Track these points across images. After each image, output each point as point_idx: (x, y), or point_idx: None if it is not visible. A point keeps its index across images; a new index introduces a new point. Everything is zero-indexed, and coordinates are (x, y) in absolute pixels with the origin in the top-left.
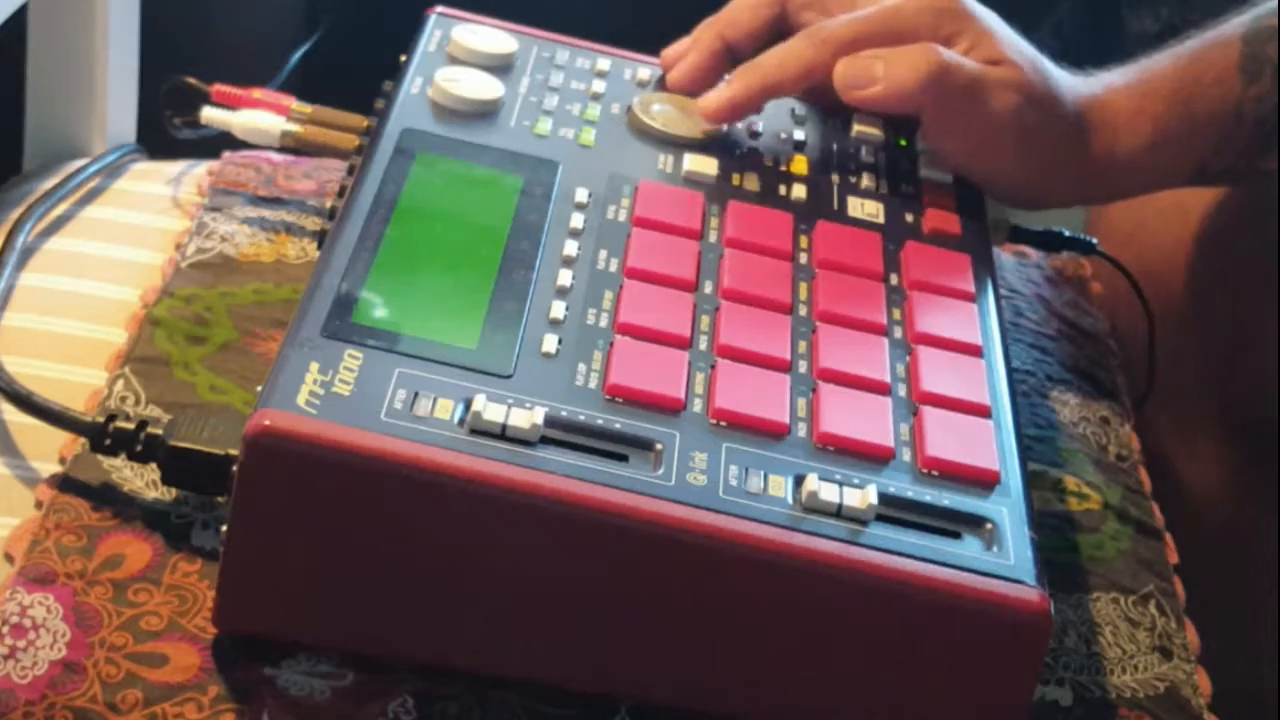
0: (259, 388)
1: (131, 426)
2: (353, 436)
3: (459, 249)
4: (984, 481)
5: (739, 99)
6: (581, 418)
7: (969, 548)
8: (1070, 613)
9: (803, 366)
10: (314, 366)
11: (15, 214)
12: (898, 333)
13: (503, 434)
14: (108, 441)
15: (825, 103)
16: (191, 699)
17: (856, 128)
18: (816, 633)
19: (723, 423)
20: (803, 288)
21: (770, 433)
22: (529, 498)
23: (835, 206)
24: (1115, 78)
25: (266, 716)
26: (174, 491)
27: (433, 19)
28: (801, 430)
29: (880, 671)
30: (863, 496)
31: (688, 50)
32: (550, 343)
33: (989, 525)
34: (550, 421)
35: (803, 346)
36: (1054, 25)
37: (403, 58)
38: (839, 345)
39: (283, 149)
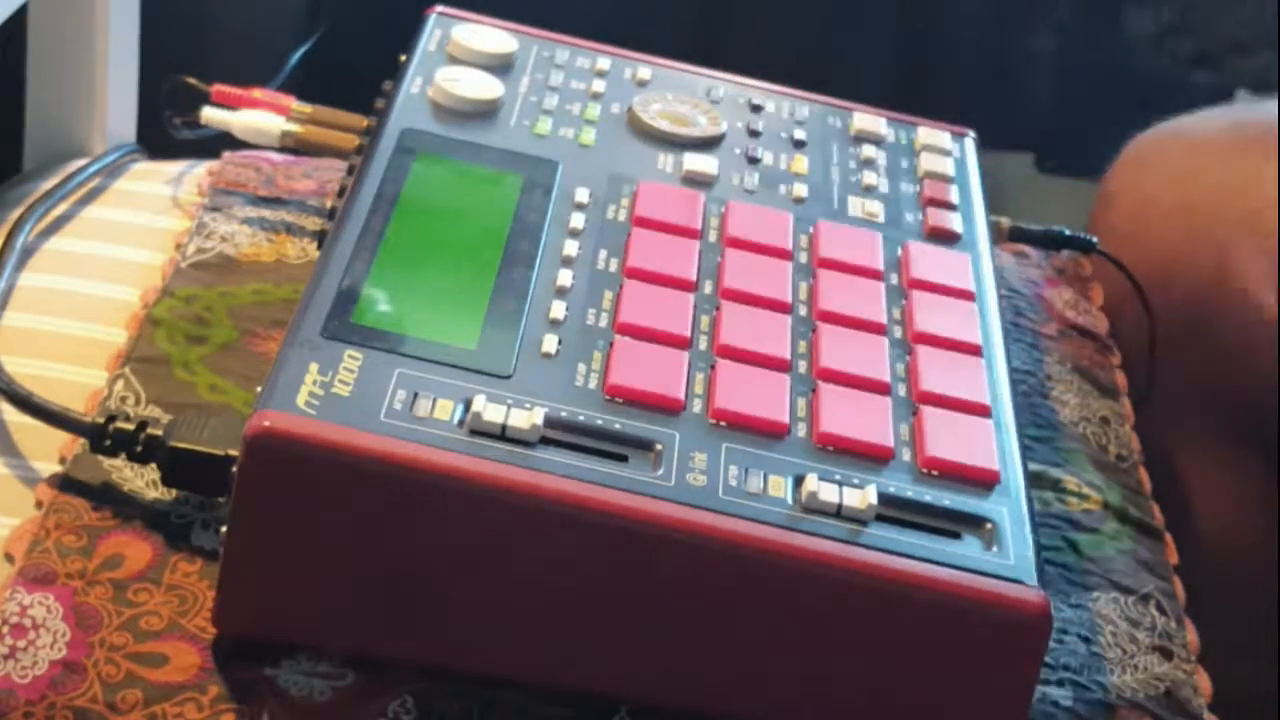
0: (259, 388)
1: (131, 427)
2: (352, 437)
3: (459, 249)
4: (984, 481)
5: None
6: (581, 418)
7: (969, 548)
8: (1070, 613)
9: (802, 366)
10: (314, 367)
11: (15, 214)
12: (897, 332)
13: (502, 434)
14: (107, 442)
15: None
16: (191, 699)
17: (857, 126)
18: (816, 633)
19: (722, 423)
20: (802, 287)
21: (770, 433)
22: (529, 498)
23: (835, 206)
24: None
25: (266, 716)
26: (174, 491)
27: (433, 19)
28: (801, 430)
29: (880, 672)
30: (862, 496)
31: None
32: (550, 343)
33: (989, 525)
34: (550, 422)
35: (802, 346)
36: (1054, 25)
37: (403, 58)
38: (839, 345)
39: (283, 149)
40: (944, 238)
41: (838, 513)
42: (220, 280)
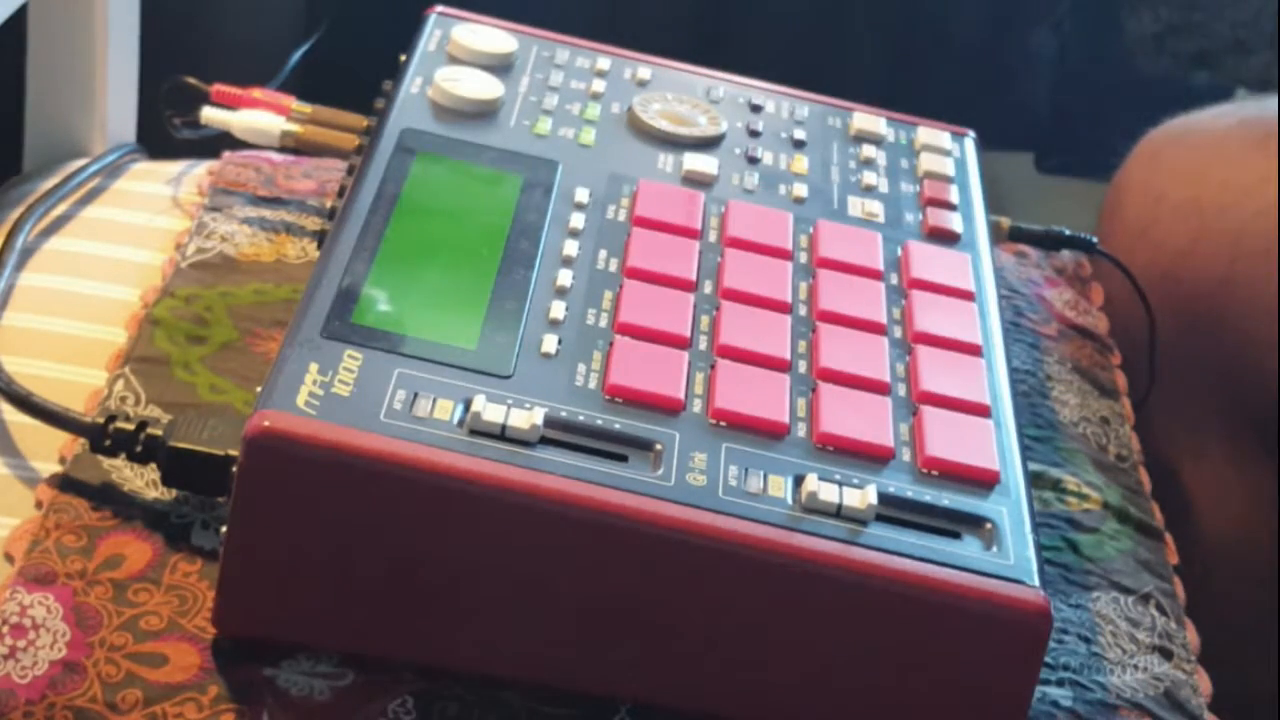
0: (259, 388)
1: (131, 427)
2: (352, 437)
3: (459, 249)
4: (984, 481)
5: None
6: (581, 418)
7: (969, 548)
8: (1070, 613)
9: (802, 366)
10: (314, 367)
11: (15, 214)
12: (897, 332)
13: (502, 434)
14: (107, 442)
15: None
16: (191, 699)
17: (857, 126)
18: (816, 633)
19: (722, 423)
20: (802, 287)
21: (770, 433)
22: (529, 498)
23: (835, 206)
24: None
25: (266, 716)
26: (174, 491)
27: (433, 18)
28: (801, 430)
29: (880, 671)
30: (862, 496)
31: None
32: (550, 343)
33: (989, 525)
34: (550, 422)
35: (802, 346)
36: (1054, 25)
37: (403, 57)
38: (839, 345)
39: (283, 149)
40: (944, 238)
41: (838, 513)
42: (220, 280)
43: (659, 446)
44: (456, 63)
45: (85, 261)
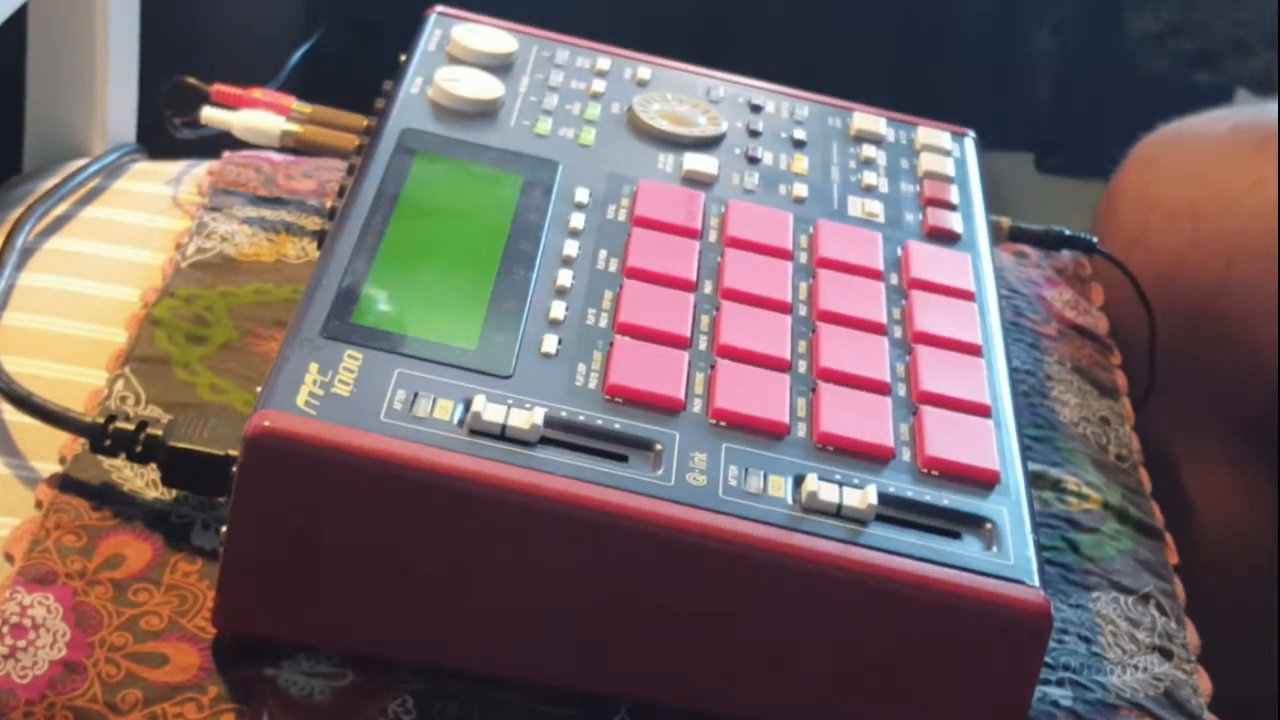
0: (259, 388)
1: (131, 427)
2: (352, 437)
3: (459, 249)
4: (984, 481)
5: None
6: (581, 418)
7: (969, 548)
8: (1070, 613)
9: (802, 366)
10: (314, 367)
11: (15, 214)
12: (897, 332)
13: (502, 434)
14: (107, 442)
15: None
16: (191, 699)
17: (857, 126)
18: (816, 633)
19: (722, 423)
20: (802, 287)
21: (770, 433)
22: (529, 498)
23: (835, 206)
24: None
25: (266, 716)
26: (174, 491)
27: (433, 18)
28: (801, 430)
29: (880, 671)
30: (862, 496)
31: None
32: (550, 343)
33: (989, 525)
34: (550, 422)
35: (802, 346)
36: (1054, 25)
37: (403, 57)
38: (839, 345)
39: (283, 149)
40: (944, 238)
41: (838, 513)
42: (220, 280)
43: (659, 446)
44: (456, 63)
45: (85, 261)
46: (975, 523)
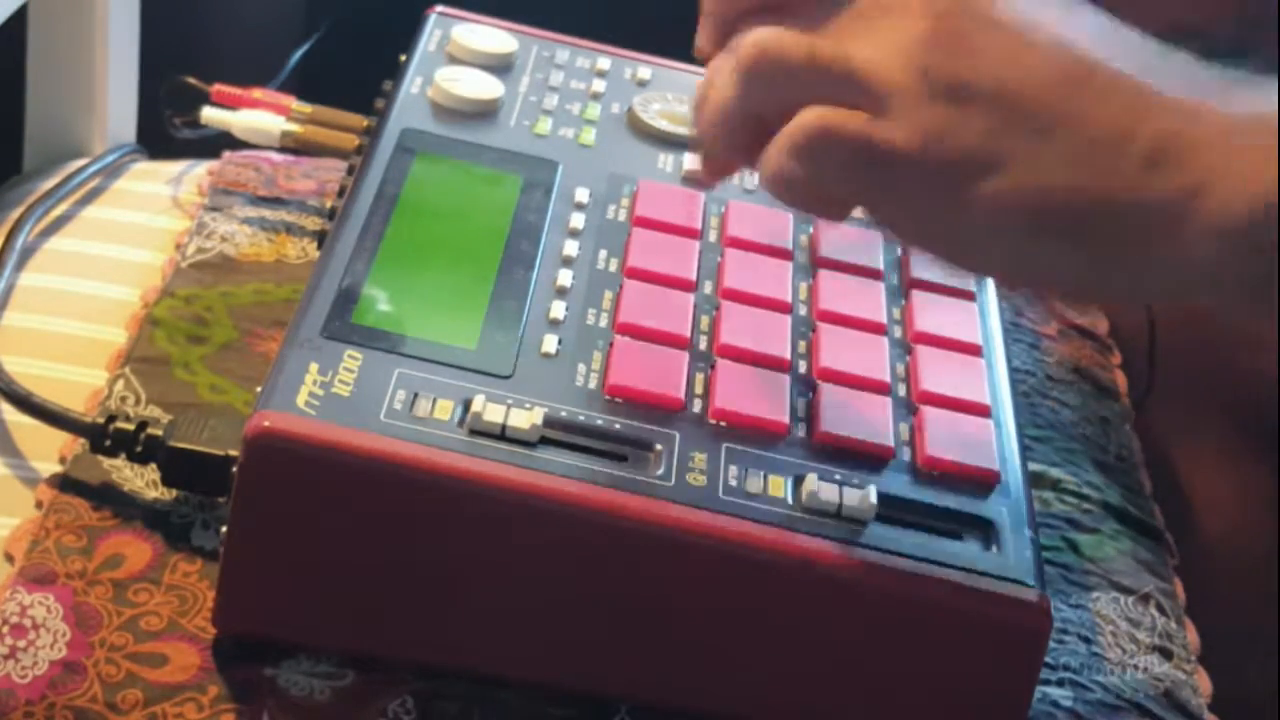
0: (259, 388)
1: (131, 427)
2: (352, 437)
3: (459, 249)
4: (984, 481)
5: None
6: (581, 418)
7: (969, 548)
8: (1070, 613)
9: (802, 366)
10: (314, 367)
11: (15, 214)
12: (897, 332)
13: (502, 434)
14: (107, 442)
15: None
16: (191, 699)
17: None
18: (816, 633)
19: (722, 423)
20: (802, 287)
21: (770, 433)
22: (528, 498)
23: None
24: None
25: (266, 716)
26: (174, 491)
27: (433, 18)
28: (801, 430)
29: (880, 672)
30: (862, 496)
31: None
32: (550, 343)
33: (989, 525)
34: (550, 422)
35: (802, 346)
36: None
37: (403, 57)
38: (839, 345)
39: (283, 149)
40: None
41: (838, 513)
42: (220, 280)
43: (659, 446)
44: (456, 63)
45: (85, 261)
46: (975, 523)
